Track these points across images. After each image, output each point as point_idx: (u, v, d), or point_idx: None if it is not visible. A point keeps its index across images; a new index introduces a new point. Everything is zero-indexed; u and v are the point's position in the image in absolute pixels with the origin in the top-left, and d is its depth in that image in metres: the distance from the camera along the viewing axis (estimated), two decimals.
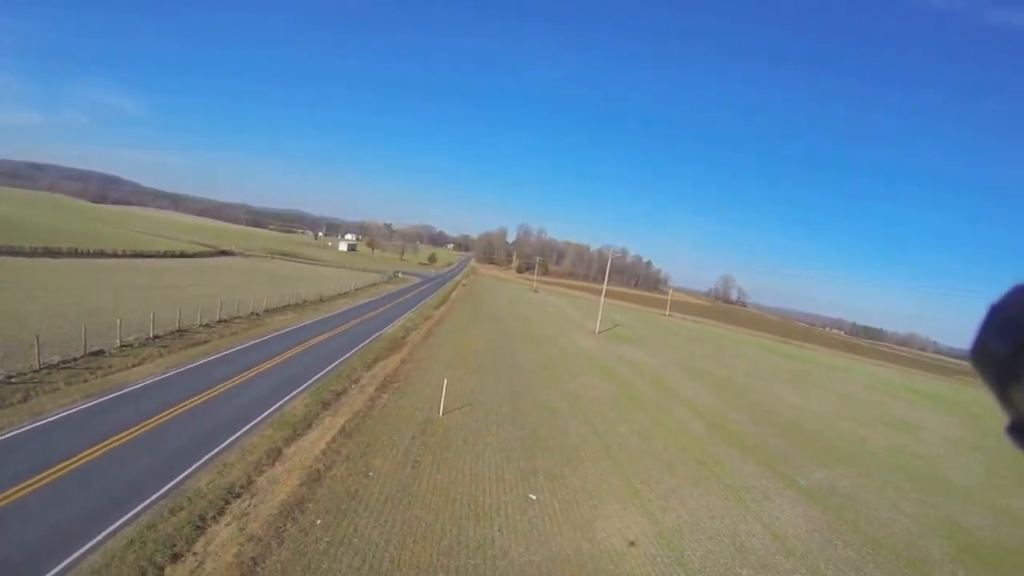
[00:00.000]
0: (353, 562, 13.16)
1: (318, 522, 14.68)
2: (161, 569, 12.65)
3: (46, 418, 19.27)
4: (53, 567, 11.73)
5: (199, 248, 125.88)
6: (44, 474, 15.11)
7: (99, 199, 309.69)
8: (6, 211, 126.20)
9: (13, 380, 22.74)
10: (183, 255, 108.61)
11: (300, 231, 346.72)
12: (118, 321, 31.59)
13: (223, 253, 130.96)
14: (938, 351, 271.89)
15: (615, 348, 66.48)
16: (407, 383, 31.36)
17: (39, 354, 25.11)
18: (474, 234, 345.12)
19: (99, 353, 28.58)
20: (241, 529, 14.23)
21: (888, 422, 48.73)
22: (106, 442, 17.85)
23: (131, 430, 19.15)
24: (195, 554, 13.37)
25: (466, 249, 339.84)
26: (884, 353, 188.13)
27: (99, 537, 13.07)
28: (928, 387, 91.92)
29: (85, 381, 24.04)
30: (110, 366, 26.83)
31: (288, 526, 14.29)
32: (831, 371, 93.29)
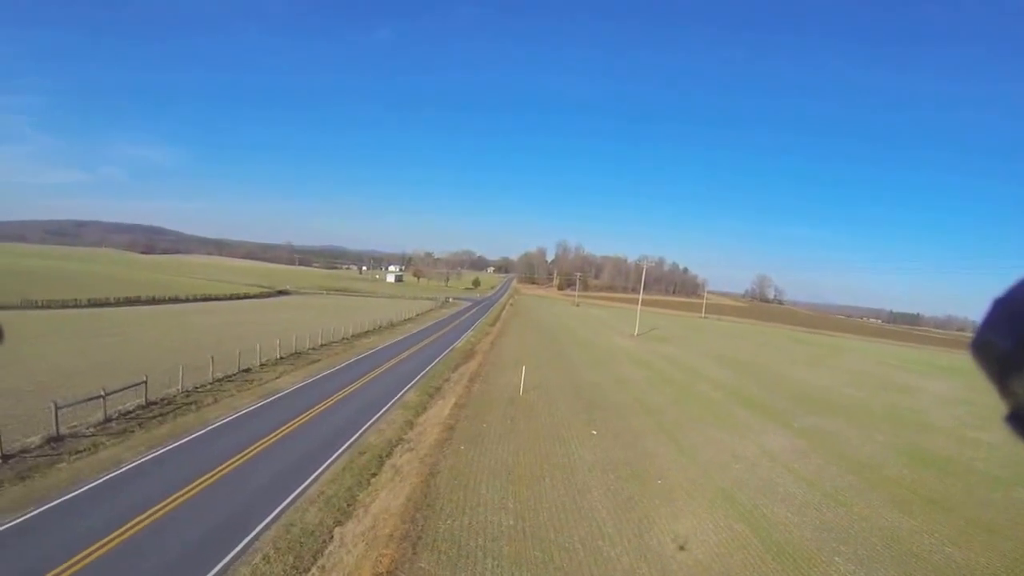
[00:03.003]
0: (491, 463, 21.55)
1: (462, 447, 23.07)
2: (369, 479, 20.89)
3: (242, 411, 27.64)
4: (303, 482, 20.19)
5: (260, 290, 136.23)
6: (266, 439, 23.52)
7: (147, 250, 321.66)
8: (70, 267, 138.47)
9: (200, 389, 31.45)
10: (247, 296, 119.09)
11: (344, 267, 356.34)
12: (258, 346, 40.64)
13: (281, 293, 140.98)
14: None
15: (651, 346, 74.06)
16: (488, 377, 39.86)
17: (212, 371, 33.91)
18: (513, 256, 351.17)
19: (247, 370, 37.34)
20: (414, 455, 22.53)
21: (889, 388, 54.32)
22: (292, 422, 26.22)
23: (303, 415, 27.50)
24: (385, 470, 21.65)
25: (506, 271, 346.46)
26: (918, 336, 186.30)
27: (321, 468, 21.31)
28: (945, 361, 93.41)
29: (249, 389, 32.73)
30: (261, 378, 35.63)
31: (444, 450, 22.65)
32: (849, 353, 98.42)
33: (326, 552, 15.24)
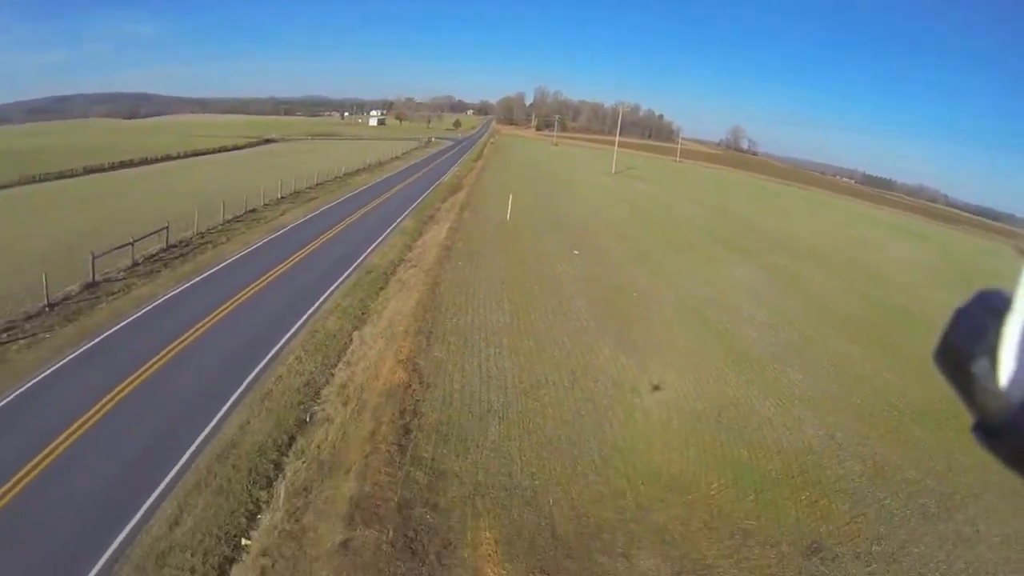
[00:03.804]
0: (486, 275, 23.53)
1: (459, 263, 24.87)
2: (377, 292, 22.65)
3: (254, 245, 28.62)
4: (319, 297, 21.80)
5: (247, 140, 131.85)
6: (281, 266, 24.85)
7: (131, 116, 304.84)
8: (55, 141, 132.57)
9: (213, 231, 32.34)
10: (236, 148, 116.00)
11: (327, 114, 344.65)
12: (261, 188, 41.08)
13: (268, 141, 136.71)
14: (948, 203, 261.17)
15: (628, 184, 75.03)
16: (476, 207, 41.15)
17: (224, 213, 34.67)
18: (493, 99, 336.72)
19: (253, 210, 37.89)
20: (418, 269, 24.27)
21: (857, 243, 54.16)
22: (301, 251, 27.48)
23: (310, 245, 28.77)
24: (392, 284, 23.42)
25: (486, 114, 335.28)
26: (889, 200, 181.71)
27: (334, 285, 22.89)
28: (913, 226, 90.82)
29: (258, 226, 33.49)
30: (266, 216, 36.29)
31: (444, 266, 24.42)
32: (821, 206, 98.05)
33: (349, 350, 17.20)
